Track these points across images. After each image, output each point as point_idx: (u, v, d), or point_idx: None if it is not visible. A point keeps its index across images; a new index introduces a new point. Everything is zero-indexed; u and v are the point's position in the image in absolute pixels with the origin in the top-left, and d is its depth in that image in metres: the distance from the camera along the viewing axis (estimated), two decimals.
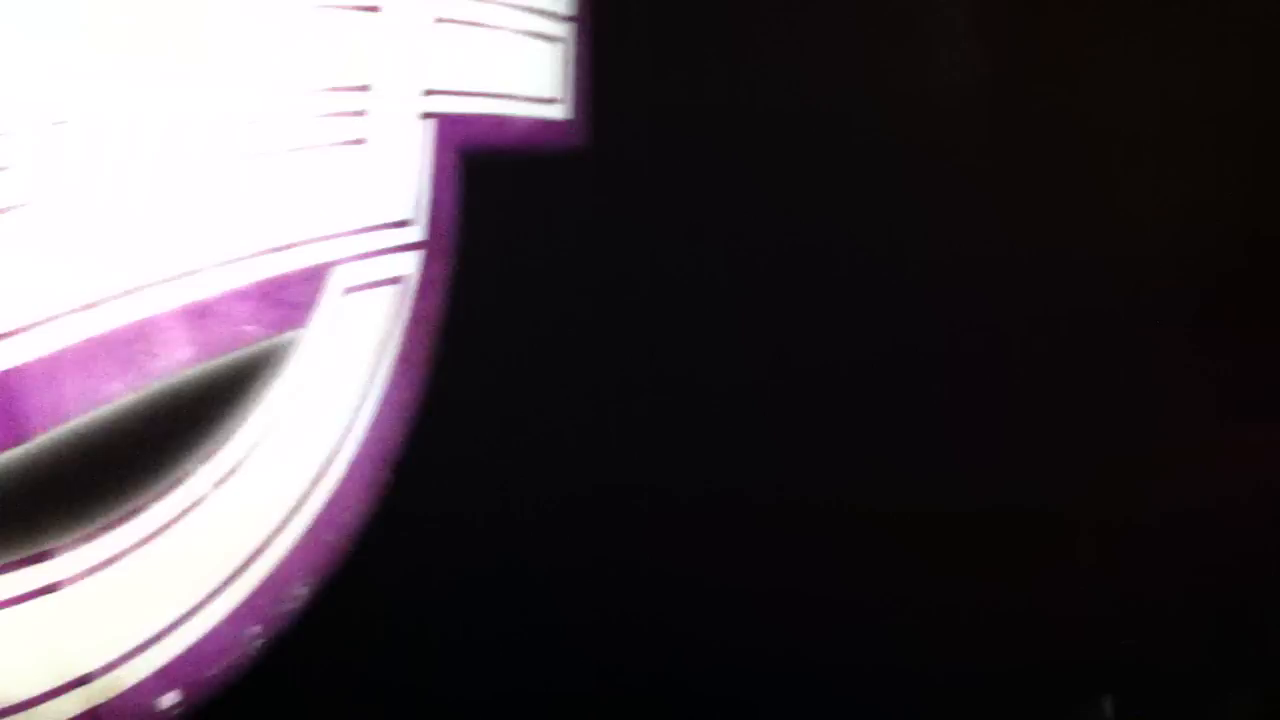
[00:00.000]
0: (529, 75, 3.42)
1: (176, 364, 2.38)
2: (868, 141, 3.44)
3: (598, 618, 2.93)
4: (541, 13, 3.46)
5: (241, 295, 2.50)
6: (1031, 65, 3.46)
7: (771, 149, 3.51)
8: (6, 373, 2.10)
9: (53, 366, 2.17)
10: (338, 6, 2.78)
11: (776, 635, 3.09)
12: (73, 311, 2.20)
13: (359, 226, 2.83)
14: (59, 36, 2.12)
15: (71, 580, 2.15)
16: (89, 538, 2.18)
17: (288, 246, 2.62)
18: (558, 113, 3.52)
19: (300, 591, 2.58)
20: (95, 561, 2.19)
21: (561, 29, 3.54)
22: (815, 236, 3.44)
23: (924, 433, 3.31)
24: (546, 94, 3.49)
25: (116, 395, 2.27)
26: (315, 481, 2.60)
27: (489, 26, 3.26)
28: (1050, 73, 3.45)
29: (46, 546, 2.14)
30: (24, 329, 2.13)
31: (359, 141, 2.83)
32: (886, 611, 3.13)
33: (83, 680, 2.20)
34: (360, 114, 2.82)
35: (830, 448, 3.29)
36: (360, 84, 2.84)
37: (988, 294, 3.37)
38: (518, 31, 3.38)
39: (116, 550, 2.21)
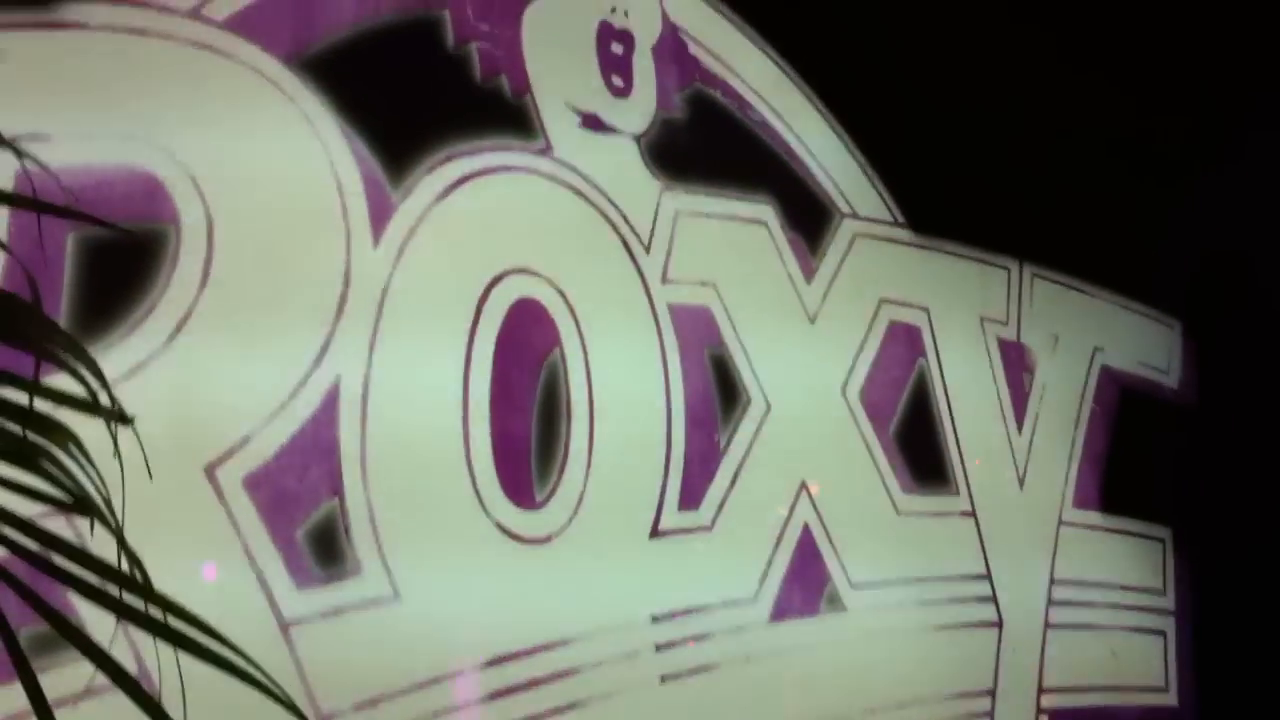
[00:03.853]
0: (1137, 667, 3.84)
1: None
2: None
3: None
4: (1147, 610, 3.91)
5: None
6: None
7: None
8: None
9: None
10: (964, 627, 3.40)
11: None
12: None
13: None
14: None
15: None
16: None
17: None
18: (1165, 699, 3.88)
19: None
20: None
21: (1165, 622, 3.96)
22: None
23: None
24: (1153, 683, 3.88)
25: None
26: None
27: (1098, 627, 3.76)
28: None
29: None
30: None
31: None
32: None
33: None
34: (986, 715, 3.37)
35: None
36: (986, 689, 3.41)
37: None
38: (1124, 628, 3.84)
39: None
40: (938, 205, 3.58)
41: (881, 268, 3.47)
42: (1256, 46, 3.99)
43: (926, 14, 3.43)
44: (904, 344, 3.46)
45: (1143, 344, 4.12)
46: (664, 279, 2.98)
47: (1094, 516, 3.82)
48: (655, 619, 2.75)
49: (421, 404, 2.51)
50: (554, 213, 2.83)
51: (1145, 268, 4.02)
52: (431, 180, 2.63)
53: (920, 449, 3.43)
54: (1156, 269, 4.05)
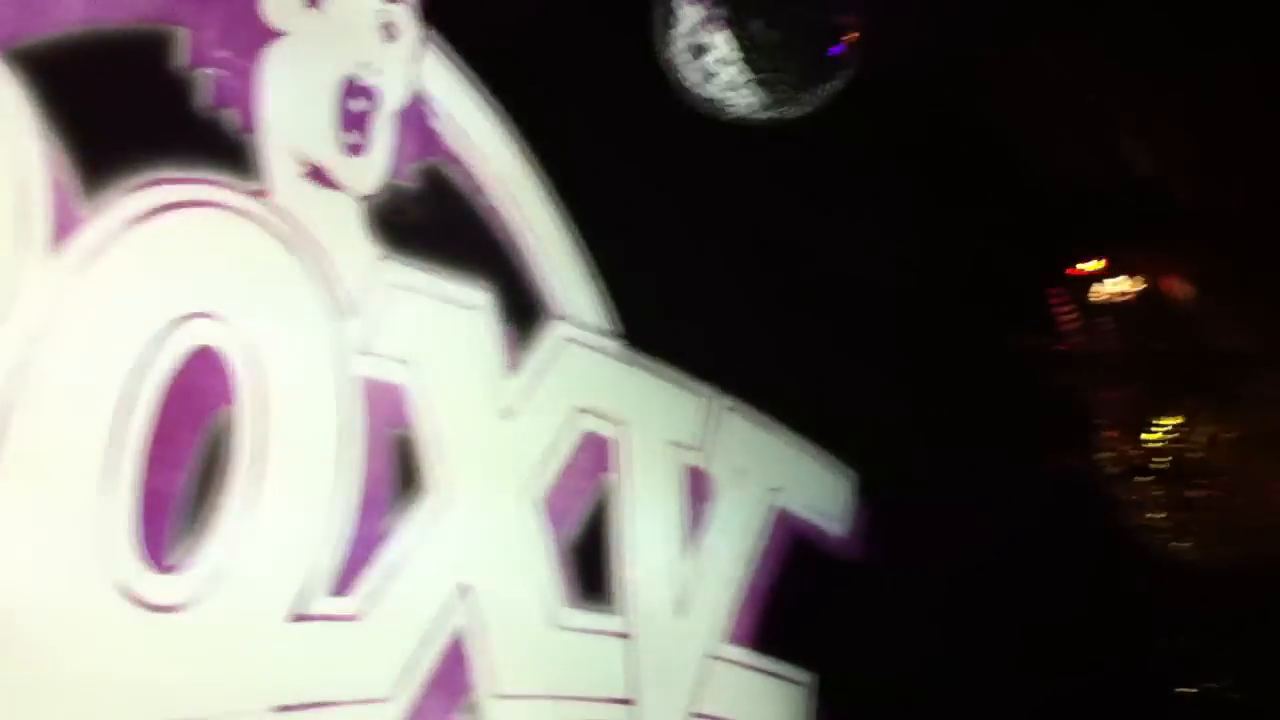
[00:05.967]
0: None
1: None
2: None
3: None
4: None
5: None
6: None
7: None
8: None
9: None
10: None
11: None
12: None
13: None
14: None
15: None
16: None
17: None
18: None
19: None
20: None
21: None
22: None
23: None
24: None
25: None
26: None
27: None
28: None
29: None
30: None
31: None
32: None
33: None
34: None
35: None
36: None
37: None
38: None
39: None
40: (651, 323, 3.59)
41: (586, 375, 3.44)
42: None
43: (674, 140, 3.46)
44: (594, 456, 3.44)
45: (819, 490, 4.24)
46: (363, 350, 2.85)
47: (745, 654, 3.87)
48: (279, 709, 2.57)
49: (62, 439, 2.28)
50: (258, 260, 2.67)
51: (829, 418, 4.14)
52: (131, 201, 2.43)
53: (590, 564, 3.40)
54: (839, 420, 4.17)
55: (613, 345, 3.49)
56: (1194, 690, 4.69)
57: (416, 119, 3.02)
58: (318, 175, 2.78)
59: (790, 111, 3.61)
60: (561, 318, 3.35)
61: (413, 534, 2.89)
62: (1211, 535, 4.71)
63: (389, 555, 2.84)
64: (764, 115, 3.62)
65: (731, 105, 3.65)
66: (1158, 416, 4.74)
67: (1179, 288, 4.57)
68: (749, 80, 3.55)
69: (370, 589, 2.78)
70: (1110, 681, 4.50)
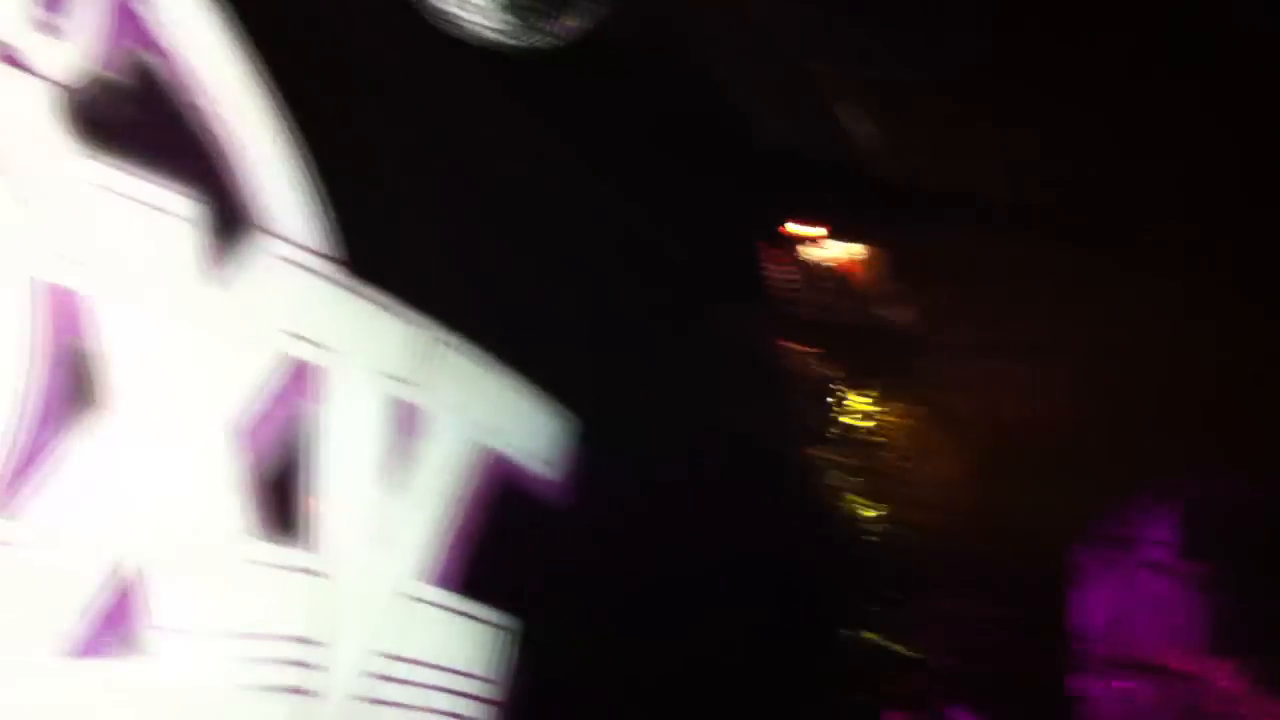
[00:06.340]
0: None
1: None
2: None
3: None
4: (473, 698, 3.91)
5: None
6: None
7: None
8: None
9: None
10: (276, 691, 3.21)
11: None
12: None
13: None
14: None
15: None
16: None
17: None
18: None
19: None
20: None
21: (489, 713, 3.99)
22: None
23: None
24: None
25: None
26: None
27: (416, 709, 3.71)
28: None
29: None
30: None
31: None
32: None
33: None
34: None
35: None
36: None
37: None
38: (444, 713, 3.81)
39: None
40: (373, 249, 3.44)
41: (296, 298, 3.27)
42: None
43: (414, 59, 3.31)
44: (298, 383, 3.28)
45: (533, 434, 4.17)
46: (41, 250, 2.60)
47: (446, 596, 3.78)
48: None
49: None
50: None
51: (548, 362, 4.08)
52: None
53: (285, 497, 3.24)
54: (557, 366, 4.13)
55: (328, 269, 3.32)
56: (864, 642, 4.91)
57: (126, 6, 2.77)
58: (6, 57, 2.51)
59: (536, 42, 3.50)
60: (274, 235, 3.16)
61: (87, 456, 2.68)
62: (889, 502, 4.93)
63: (58, 477, 2.61)
64: (509, 43, 3.51)
65: (477, 29, 3.52)
66: (852, 387, 4.91)
67: (880, 263, 4.72)
68: (496, 5, 3.43)
69: (34, 513, 2.56)
70: (795, 636, 4.65)
